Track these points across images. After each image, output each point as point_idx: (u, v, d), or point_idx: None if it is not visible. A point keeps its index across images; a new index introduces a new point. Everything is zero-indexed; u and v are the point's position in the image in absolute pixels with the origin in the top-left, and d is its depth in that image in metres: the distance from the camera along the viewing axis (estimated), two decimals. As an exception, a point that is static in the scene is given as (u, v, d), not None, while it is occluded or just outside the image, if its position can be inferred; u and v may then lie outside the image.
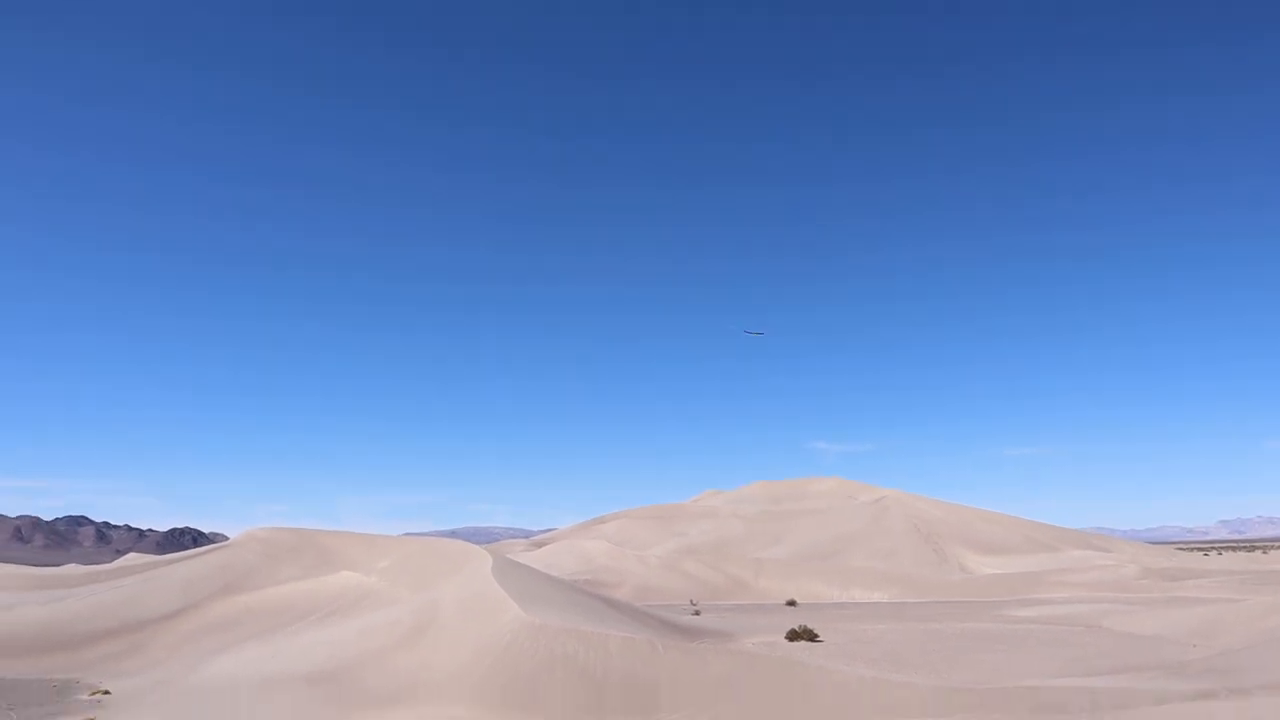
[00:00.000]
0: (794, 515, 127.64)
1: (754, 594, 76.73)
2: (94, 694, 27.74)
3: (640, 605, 47.14)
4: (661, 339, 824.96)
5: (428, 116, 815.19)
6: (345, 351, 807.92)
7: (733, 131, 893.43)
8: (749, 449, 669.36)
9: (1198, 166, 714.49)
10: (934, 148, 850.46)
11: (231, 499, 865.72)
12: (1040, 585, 76.65)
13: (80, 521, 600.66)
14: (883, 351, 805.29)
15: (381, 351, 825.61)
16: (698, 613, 53.97)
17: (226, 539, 55.84)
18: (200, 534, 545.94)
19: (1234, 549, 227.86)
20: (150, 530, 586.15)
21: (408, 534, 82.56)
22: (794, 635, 37.58)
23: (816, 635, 37.83)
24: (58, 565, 78.07)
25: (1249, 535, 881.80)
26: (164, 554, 67.61)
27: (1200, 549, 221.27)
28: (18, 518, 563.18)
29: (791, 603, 66.82)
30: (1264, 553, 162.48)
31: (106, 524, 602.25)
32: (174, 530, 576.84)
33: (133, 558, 76.45)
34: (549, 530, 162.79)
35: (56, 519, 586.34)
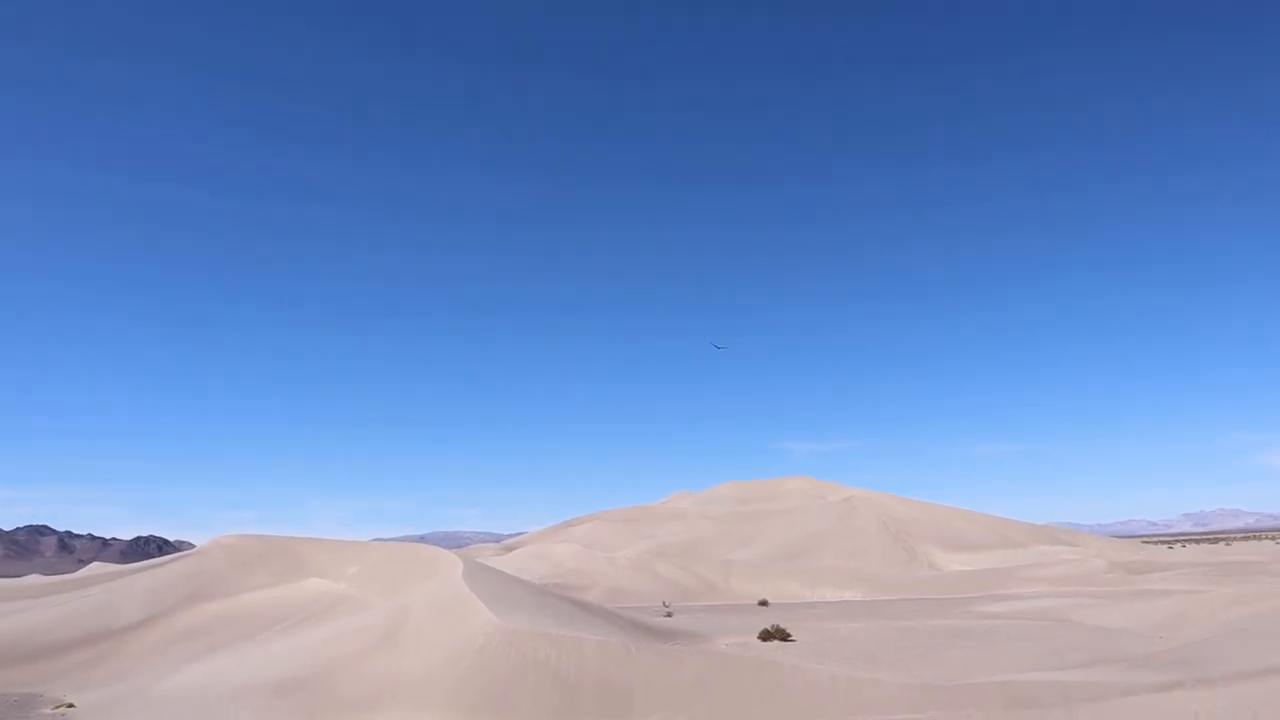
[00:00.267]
0: (764, 516, 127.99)
1: (725, 595, 76.87)
2: (57, 707, 27.25)
3: (611, 608, 47.05)
4: (630, 341, 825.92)
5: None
6: (311, 356, 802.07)
7: (708, 131, 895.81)
8: (718, 450, 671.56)
9: (1156, 164, 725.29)
10: (909, 146, 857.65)
11: (197, 506, 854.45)
12: (1009, 581, 77.40)
13: (42, 531, 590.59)
14: (852, 351, 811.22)
15: (348, 355, 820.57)
16: (669, 614, 53.98)
17: (192, 547, 55.13)
18: (165, 542, 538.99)
19: (1197, 541, 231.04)
20: (114, 539, 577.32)
21: (377, 539, 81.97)
22: (766, 635, 37.72)
23: (789, 635, 37.99)
24: (19, 576, 76.75)
25: (1212, 528, 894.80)
26: (128, 563, 66.61)
27: (1165, 542, 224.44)
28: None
29: (763, 603, 67.06)
30: (1226, 545, 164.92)
31: (69, 533, 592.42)
32: (138, 539, 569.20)
33: (96, 567, 75.11)
34: (519, 534, 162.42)
35: (17, 529, 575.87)
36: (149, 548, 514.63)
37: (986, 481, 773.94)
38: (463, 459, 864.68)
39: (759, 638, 37.58)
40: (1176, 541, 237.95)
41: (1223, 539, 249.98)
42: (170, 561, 49.50)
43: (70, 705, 27.33)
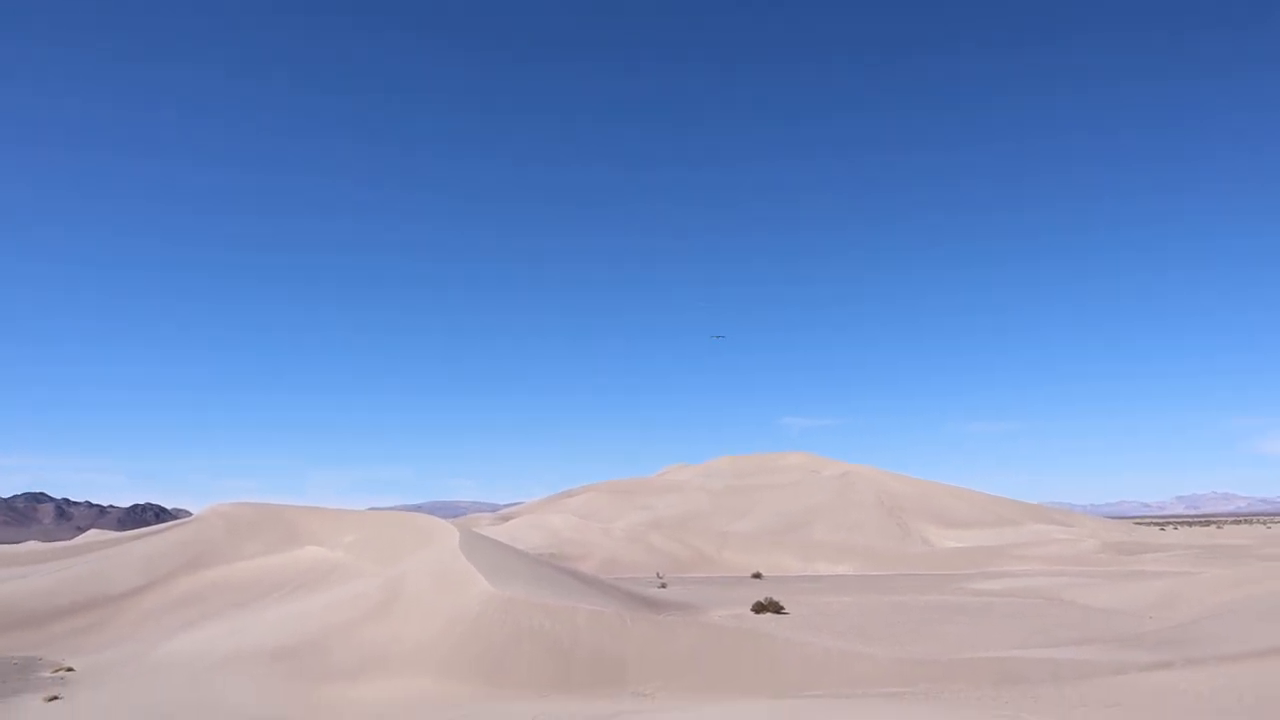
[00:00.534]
0: (760, 489, 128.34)
1: (719, 567, 77.25)
2: (57, 671, 27.45)
3: (606, 578, 47.32)
4: (631, 314, 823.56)
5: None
6: (309, 326, 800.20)
7: (695, 112, 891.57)
8: (717, 424, 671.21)
9: (1153, 147, 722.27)
10: (902, 125, 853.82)
11: (194, 475, 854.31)
12: (1001, 559, 77.88)
13: (39, 498, 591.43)
14: (852, 328, 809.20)
15: (346, 326, 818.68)
16: (664, 586, 54.28)
17: (189, 515, 55.29)
18: (163, 510, 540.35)
19: (1190, 524, 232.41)
20: (111, 507, 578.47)
21: (373, 508, 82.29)
22: (760, 608, 37.93)
23: (782, 608, 38.21)
24: (17, 543, 77.03)
25: (1204, 511, 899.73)
26: (126, 530, 66.85)
27: (1157, 524, 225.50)
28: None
29: (757, 575, 67.38)
30: (1218, 528, 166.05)
31: (66, 500, 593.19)
32: (135, 506, 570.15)
33: (94, 534, 75.42)
34: (515, 504, 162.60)
35: (14, 495, 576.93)
36: (146, 515, 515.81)
37: (981, 459, 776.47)
38: (459, 429, 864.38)
39: (752, 610, 37.79)
40: (1168, 524, 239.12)
41: (1214, 522, 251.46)
42: (167, 529, 49.67)
43: (69, 669, 27.53)
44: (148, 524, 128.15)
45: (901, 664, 23.33)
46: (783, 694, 21.22)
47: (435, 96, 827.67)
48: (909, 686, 21.34)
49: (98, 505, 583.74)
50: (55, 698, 23.28)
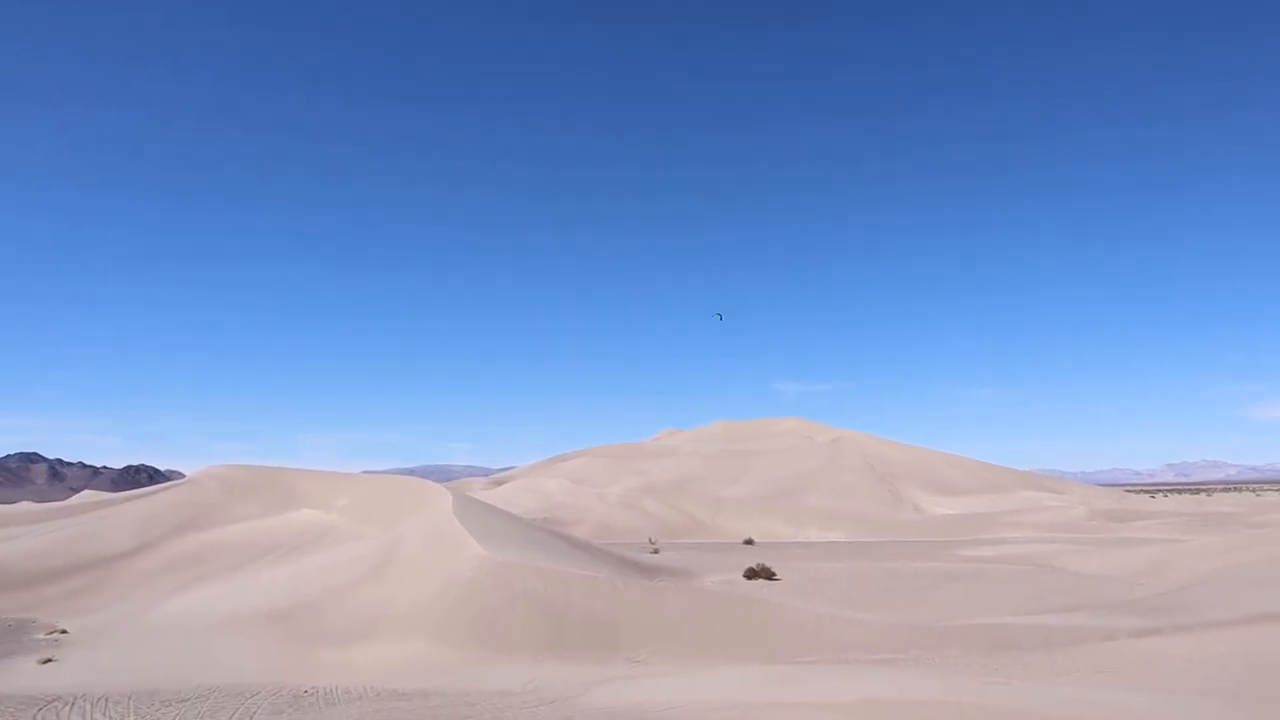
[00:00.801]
0: (753, 455, 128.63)
1: (712, 532, 77.56)
2: (51, 633, 27.50)
3: (599, 543, 47.49)
4: (625, 279, 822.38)
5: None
6: (304, 289, 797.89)
7: (706, 75, 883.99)
8: (711, 388, 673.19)
9: (1148, 114, 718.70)
10: (904, 85, 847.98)
11: (188, 436, 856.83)
12: (993, 525, 78.29)
13: (32, 459, 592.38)
14: (845, 293, 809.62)
15: (340, 289, 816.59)
16: (656, 551, 54.51)
17: (183, 477, 55.18)
18: (156, 471, 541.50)
19: (1179, 492, 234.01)
20: (105, 468, 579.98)
21: (367, 471, 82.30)
22: (752, 573, 38.10)
23: (774, 574, 38.40)
24: (10, 503, 77.04)
25: (1194, 479, 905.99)
26: (119, 492, 66.84)
27: (1147, 491, 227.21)
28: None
29: (749, 541, 67.73)
30: (1208, 495, 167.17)
31: (60, 461, 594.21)
32: (129, 468, 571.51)
33: (87, 495, 75.42)
34: (508, 468, 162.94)
35: (7, 456, 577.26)
36: (139, 477, 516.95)
37: (972, 426, 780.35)
38: (454, 393, 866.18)
39: (744, 576, 37.97)
40: (1158, 491, 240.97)
41: (1204, 490, 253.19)
42: (161, 491, 49.63)
43: (64, 631, 27.58)
44: (141, 485, 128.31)
45: (894, 630, 23.45)
46: (775, 659, 21.34)
47: (431, 55, 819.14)
48: (901, 652, 21.46)
49: (91, 466, 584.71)
50: (49, 660, 23.30)
